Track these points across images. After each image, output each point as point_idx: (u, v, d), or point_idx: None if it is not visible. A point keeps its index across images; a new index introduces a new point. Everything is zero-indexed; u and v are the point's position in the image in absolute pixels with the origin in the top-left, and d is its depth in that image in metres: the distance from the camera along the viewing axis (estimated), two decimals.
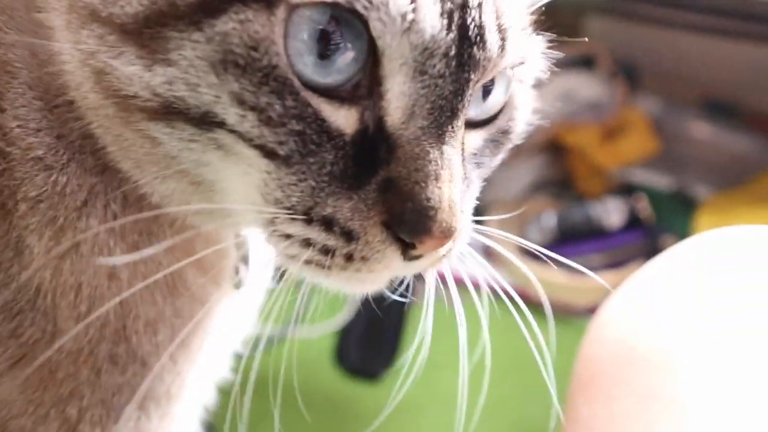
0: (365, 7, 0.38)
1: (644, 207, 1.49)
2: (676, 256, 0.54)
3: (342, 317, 1.33)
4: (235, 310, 0.57)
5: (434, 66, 0.40)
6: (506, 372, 1.25)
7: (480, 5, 0.41)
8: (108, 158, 0.46)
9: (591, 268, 1.43)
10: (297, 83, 0.39)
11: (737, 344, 0.43)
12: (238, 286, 0.55)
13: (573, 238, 1.45)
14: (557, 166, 1.74)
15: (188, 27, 0.38)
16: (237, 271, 0.55)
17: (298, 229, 0.42)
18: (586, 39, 0.49)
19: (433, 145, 0.42)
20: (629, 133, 1.67)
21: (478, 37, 0.41)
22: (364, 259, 0.42)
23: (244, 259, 0.56)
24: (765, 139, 1.66)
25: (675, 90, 1.75)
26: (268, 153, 0.40)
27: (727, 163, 1.66)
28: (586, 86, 1.66)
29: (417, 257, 0.43)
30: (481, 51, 0.41)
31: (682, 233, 1.45)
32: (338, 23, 0.38)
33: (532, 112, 0.56)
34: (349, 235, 0.42)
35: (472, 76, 0.42)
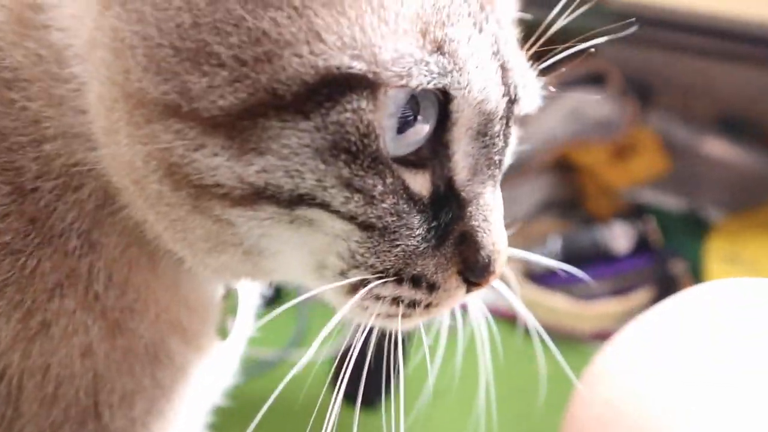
0: (455, 89, 0.42)
1: (653, 230, 1.46)
2: (668, 311, 0.54)
3: (341, 342, 1.33)
4: (216, 363, 0.58)
5: (494, 127, 0.46)
6: (507, 398, 1.25)
7: (514, 64, 0.47)
8: (104, 239, 0.47)
9: (596, 295, 1.43)
10: (391, 161, 0.42)
11: (730, 415, 0.42)
12: (224, 336, 0.57)
13: (578, 263, 1.44)
14: (565, 185, 1.71)
15: (294, 117, 0.38)
16: (224, 324, 0.57)
17: (390, 290, 0.46)
18: (593, 49, 0.51)
19: (491, 195, 0.48)
20: (640, 152, 1.64)
21: (516, 95, 0.47)
22: (438, 304, 0.48)
23: (233, 310, 0.57)
24: None
25: (687, 108, 1.73)
26: (367, 227, 0.43)
27: (741, 184, 1.63)
28: (596, 104, 1.64)
29: (475, 290, 0.50)
30: (517, 106, 0.48)
31: (693, 257, 1.45)
32: (416, 98, 0.42)
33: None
34: (432, 287, 0.47)
35: (513, 130, 0.49)
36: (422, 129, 0.43)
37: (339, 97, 0.39)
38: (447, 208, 0.46)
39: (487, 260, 0.47)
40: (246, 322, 0.61)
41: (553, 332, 1.34)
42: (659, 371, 0.47)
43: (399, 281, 0.46)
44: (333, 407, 0.46)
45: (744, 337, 0.46)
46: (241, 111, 0.38)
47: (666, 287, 1.36)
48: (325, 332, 0.47)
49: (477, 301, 0.57)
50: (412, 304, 0.47)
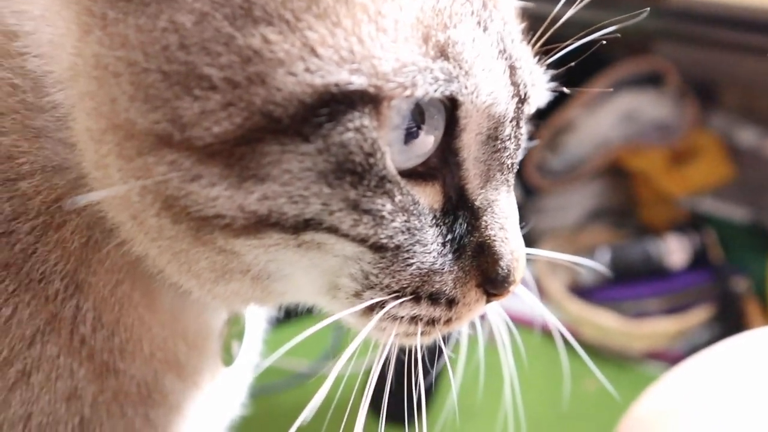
0: (463, 95, 0.41)
1: (712, 243, 1.41)
2: (720, 354, 0.51)
3: (376, 356, 1.34)
4: (219, 394, 0.57)
5: (504, 130, 0.45)
6: (548, 419, 1.26)
7: (521, 61, 0.46)
8: (91, 278, 0.46)
9: (649, 313, 1.43)
10: (399, 177, 0.41)
11: None
12: (228, 363, 0.56)
13: (629, 278, 1.39)
14: (618, 192, 1.68)
15: (293, 140, 0.37)
16: (229, 349, 0.57)
17: (408, 309, 0.46)
18: (603, 41, 0.50)
19: (506, 201, 0.48)
20: (700, 157, 1.60)
21: (525, 94, 0.47)
22: (458, 319, 0.48)
23: (239, 336, 0.58)
24: None
25: (753, 109, 1.66)
26: (377, 248, 0.42)
27: None
28: (653, 106, 1.60)
29: (494, 301, 0.50)
30: (528, 105, 0.47)
31: (758, 274, 1.38)
32: (421, 107, 0.41)
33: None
34: (451, 303, 0.47)
35: (524, 130, 0.48)
36: (429, 139, 0.42)
37: (340, 116, 0.37)
38: (461, 219, 0.46)
39: (507, 271, 0.47)
40: (253, 348, 0.61)
41: (602, 351, 1.35)
42: (708, 419, 0.46)
43: (416, 299, 0.46)
44: (359, 420, 0.48)
45: None
46: (237, 137, 0.37)
47: (726, 306, 1.31)
48: (348, 352, 0.46)
49: (496, 307, 0.57)
50: (432, 322, 0.47)
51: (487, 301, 0.49)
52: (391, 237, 0.42)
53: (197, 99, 0.37)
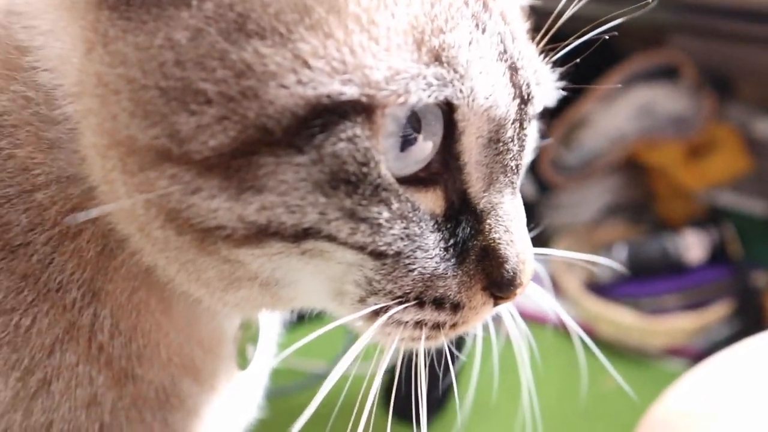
0: (458, 99, 0.41)
1: (731, 238, 1.40)
2: (742, 354, 0.51)
3: (393, 356, 1.34)
4: (235, 398, 0.58)
5: (506, 132, 0.45)
6: (566, 418, 1.25)
7: (524, 62, 0.46)
8: (108, 285, 0.47)
9: (667, 309, 1.41)
10: (396, 184, 0.42)
11: None
12: (243, 367, 0.57)
13: (646, 274, 1.39)
14: (636, 187, 1.68)
15: (287, 151, 0.38)
16: (244, 352, 0.58)
17: (412, 315, 0.46)
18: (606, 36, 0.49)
19: (511, 203, 0.48)
20: (718, 150, 1.59)
21: (529, 95, 0.46)
22: (464, 323, 0.48)
23: (254, 339, 0.58)
24: None
25: None
26: (377, 255, 0.43)
27: None
28: (669, 99, 1.59)
29: (502, 304, 0.50)
30: (531, 106, 0.47)
31: None
32: (417, 113, 0.41)
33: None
34: (456, 307, 0.47)
35: (528, 131, 0.48)
36: (427, 145, 0.42)
37: (332, 126, 0.38)
38: (464, 223, 0.46)
39: (512, 274, 0.47)
40: (267, 351, 0.62)
41: (620, 348, 1.34)
42: (731, 419, 0.46)
43: (420, 305, 0.46)
44: (363, 418, 0.48)
45: None
46: (233, 150, 0.38)
47: (746, 302, 1.30)
48: (351, 355, 0.46)
49: (510, 308, 0.57)
50: (437, 326, 0.47)
51: (495, 304, 0.49)
52: (389, 244, 0.43)
53: (193, 114, 0.38)
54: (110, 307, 0.48)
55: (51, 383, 0.47)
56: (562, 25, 0.50)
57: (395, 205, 0.42)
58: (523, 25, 0.50)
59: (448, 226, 0.46)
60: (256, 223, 0.40)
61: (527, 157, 0.51)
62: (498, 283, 0.47)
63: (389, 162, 0.41)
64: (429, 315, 0.47)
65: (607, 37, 0.50)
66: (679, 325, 1.32)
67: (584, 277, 1.46)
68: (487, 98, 0.43)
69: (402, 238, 0.43)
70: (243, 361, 0.58)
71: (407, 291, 0.45)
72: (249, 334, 0.58)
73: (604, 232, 1.61)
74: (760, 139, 1.63)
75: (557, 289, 1.46)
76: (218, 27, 0.38)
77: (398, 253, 0.43)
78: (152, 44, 0.38)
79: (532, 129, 0.50)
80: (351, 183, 0.40)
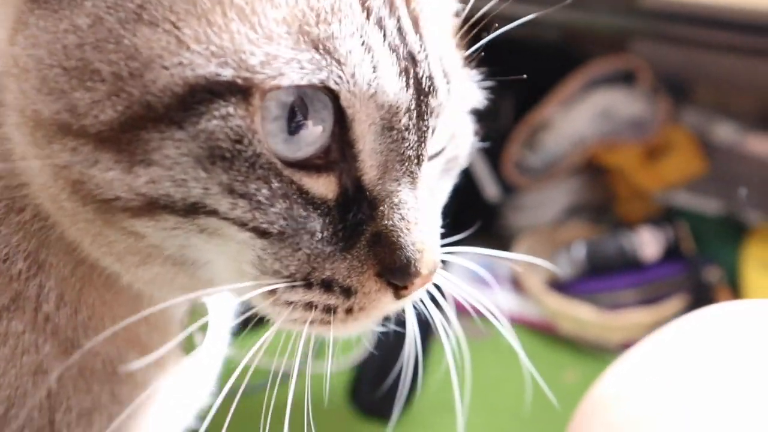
0: (336, 83, 0.43)
1: (685, 236, 1.45)
2: (672, 334, 0.53)
3: (357, 354, 1.34)
4: (186, 383, 0.59)
5: (399, 121, 0.46)
6: (529, 412, 1.26)
7: (426, 56, 0.47)
8: (52, 258, 0.49)
9: (624, 304, 1.44)
10: (279, 164, 0.43)
11: None
12: (189, 350, 0.58)
13: (604, 271, 1.43)
14: (595, 188, 1.72)
15: (169, 127, 0.41)
16: (190, 336, 0.58)
17: (300, 295, 0.47)
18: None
19: (409, 192, 0.48)
20: (673, 152, 1.63)
21: (431, 87, 0.48)
22: (362, 309, 0.48)
23: (203, 326, 0.59)
24: None
25: (726, 104, 1.71)
26: (261, 233, 0.44)
27: None
28: (627, 103, 1.63)
29: (406, 295, 0.49)
30: (434, 98, 0.48)
31: (730, 264, 1.43)
32: (304, 99, 0.43)
33: (472, 137, 0.62)
34: (347, 291, 0.47)
35: (431, 123, 0.48)
36: (316, 130, 0.44)
37: (208, 104, 0.41)
38: (356, 209, 0.47)
39: (405, 261, 0.46)
40: (219, 339, 0.63)
41: (580, 343, 1.37)
42: (660, 400, 0.47)
43: (308, 286, 0.47)
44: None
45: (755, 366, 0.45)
46: (121, 124, 0.41)
47: (700, 296, 1.34)
48: (261, 342, 0.48)
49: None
50: (328, 310, 0.48)
51: (397, 295, 0.49)
52: (271, 223, 0.44)
53: (89, 90, 0.42)
54: (54, 278, 0.50)
55: None
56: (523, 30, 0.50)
57: (276, 185, 0.44)
58: (442, 26, 0.52)
59: (339, 211, 0.47)
60: (147, 195, 0.42)
61: (431, 149, 0.52)
62: (391, 269, 0.47)
63: (278, 144, 0.43)
64: (318, 297, 0.47)
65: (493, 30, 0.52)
66: (636, 320, 1.36)
67: (545, 275, 1.48)
68: (370, 84, 0.44)
69: (285, 218, 0.45)
70: (189, 345, 0.58)
71: (293, 271, 0.46)
72: (196, 318, 0.58)
73: (565, 231, 1.64)
74: (714, 141, 1.68)
75: (520, 287, 1.47)
76: (117, 16, 0.42)
77: (282, 233, 0.45)
78: (59, 28, 0.42)
79: (443, 123, 0.51)
80: (226, 159, 0.42)
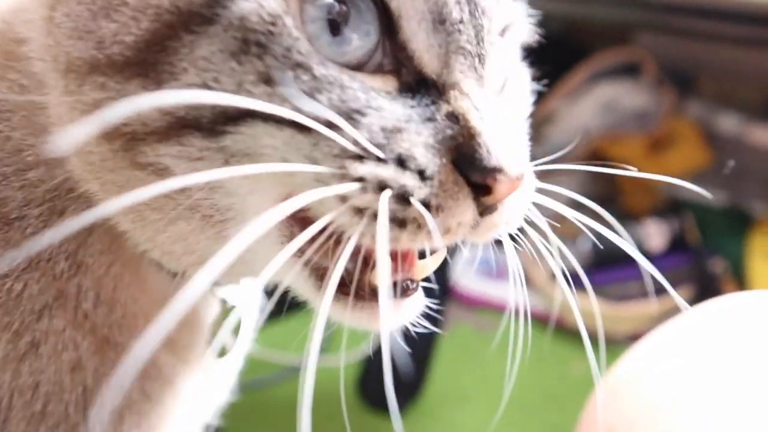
0: None
1: (690, 227, 1.46)
2: (682, 326, 0.54)
3: (366, 347, 1.36)
4: (209, 380, 0.60)
5: (451, 13, 0.43)
6: (537, 403, 1.27)
7: None
8: (89, 259, 0.50)
9: (631, 296, 1.44)
10: (319, 57, 0.41)
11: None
12: (221, 355, 0.58)
13: (611, 263, 1.43)
14: (600, 180, 1.71)
15: (201, 26, 0.40)
16: (221, 340, 0.58)
17: (371, 168, 0.41)
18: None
19: (477, 87, 0.44)
20: (678, 144, 1.64)
21: None
22: (439, 208, 0.41)
23: (233, 328, 0.59)
24: None
25: (731, 95, 1.72)
26: (304, 127, 0.40)
27: None
28: (631, 95, 1.64)
29: (490, 209, 0.44)
30: None
31: (735, 255, 1.43)
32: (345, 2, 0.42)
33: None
34: (422, 174, 0.41)
35: (484, 22, 0.45)
36: (362, 30, 0.42)
37: None
38: (424, 91, 0.44)
39: (487, 151, 0.41)
40: (245, 339, 0.62)
41: (589, 335, 1.37)
42: (674, 387, 0.48)
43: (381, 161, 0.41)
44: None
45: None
46: (146, 42, 0.41)
47: (705, 287, 1.35)
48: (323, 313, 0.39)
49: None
50: (402, 199, 0.41)
51: (479, 203, 0.43)
52: (317, 113, 0.40)
53: (114, 21, 0.42)
54: (92, 278, 0.50)
55: (39, 346, 0.49)
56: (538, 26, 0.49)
57: (320, 71, 0.41)
58: None
59: (404, 94, 0.44)
60: (174, 114, 0.42)
61: (493, 53, 0.47)
62: (469, 158, 0.41)
63: (323, 47, 0.41)
64: (393, 173, 0.41)
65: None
66: (643, 311, 1.35)
67: (551, 267, 1.48)
68: None
69: (337, 105, 0.41)
70: (222, 350, 0.59)
71: (363, 147, 0.41)
72: (226, 322, 0.58)
73: (571, 223, 1.63)
74: (718, 133, 1.68)
75: (526, 279, 1.47)
76: None
77: (330, 124, 0.41)
78: None
79: (497, 27, 0.47)
80: (261, 44, 0.40)
